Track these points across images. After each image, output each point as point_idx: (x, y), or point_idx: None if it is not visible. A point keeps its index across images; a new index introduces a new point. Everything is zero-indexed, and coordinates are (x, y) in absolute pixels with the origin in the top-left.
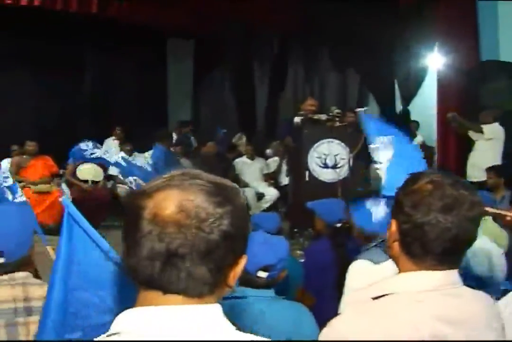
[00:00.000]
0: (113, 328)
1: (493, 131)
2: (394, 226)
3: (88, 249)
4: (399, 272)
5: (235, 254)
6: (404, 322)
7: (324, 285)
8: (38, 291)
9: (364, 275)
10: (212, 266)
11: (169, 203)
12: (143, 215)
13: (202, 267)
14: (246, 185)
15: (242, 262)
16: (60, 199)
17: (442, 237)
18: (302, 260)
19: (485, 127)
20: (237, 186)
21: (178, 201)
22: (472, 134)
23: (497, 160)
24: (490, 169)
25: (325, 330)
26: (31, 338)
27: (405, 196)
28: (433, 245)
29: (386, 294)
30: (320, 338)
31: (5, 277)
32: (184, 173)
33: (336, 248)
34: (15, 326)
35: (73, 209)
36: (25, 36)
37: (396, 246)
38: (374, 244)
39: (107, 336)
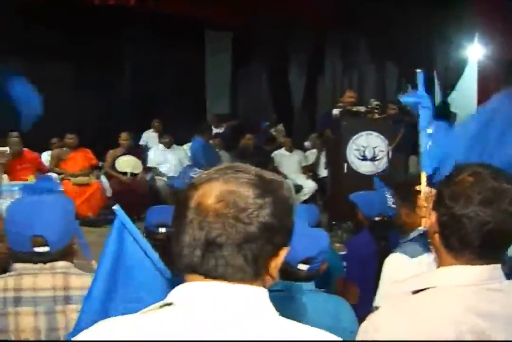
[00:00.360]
0: (167, 299)
1: None
2: (433, 217)
3: (139, 257)
4: (439, 266)
5: (275, 245)
6: (443, 317)
7: (366, 278)
8: (77, 280)
9: (399, 269)
10: (250, 256)
11: (211, 193)
12: (189, 204)
13: (239, 256)
14: (284, 177)
15: (283, 254)
16: (114, 207)
17: (480, 230)
18: (342, 253)
19: None
20: (282, 179)
21: (219, 191)
22: None
23: None
24: None
25: (364, 324)
26: (70, 326)
27: (446, 188)
28: (471, 238)
29: (426, 288)
30: (359, 332)
31: (47, 265)
32: (230, 166)
33: (377, 241)
34: (54, 314)
35: (124, 217)
36: (65, 30)
37: (436, 238)
38: (410, 238)
39: (160, 306)
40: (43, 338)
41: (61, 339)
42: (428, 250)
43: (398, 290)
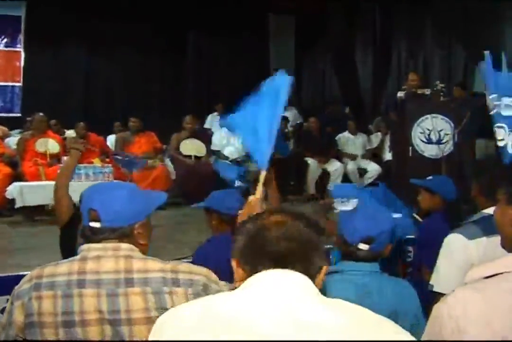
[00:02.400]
0: None
1: None
2: (511, 212)
3: None
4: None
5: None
6: None
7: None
8: (140, 264)
9: (456, 249)
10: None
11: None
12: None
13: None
14: (351, 158)
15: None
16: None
17: None
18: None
19: None
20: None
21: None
22: None
23: None
24: None
25: (437, 307)
26: (131, 309)
27: None
28: None
29: (500, 273)
30: (432, 313)
31: (109, 245)
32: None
33: (452, 223)
34: (116, 296)
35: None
36: (132, 19)
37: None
38: (473, 219)
39: None
40: (104, 319)
41: (121, 321)
42: (488, 233)
43: (474, 275)
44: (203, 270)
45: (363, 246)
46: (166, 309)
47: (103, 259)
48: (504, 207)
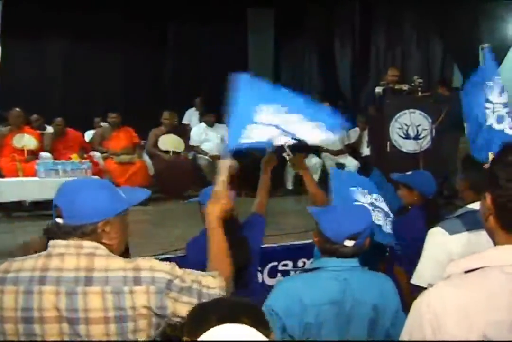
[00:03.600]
0: None
1: None
2: (489, 200)
3: None
4: (494, 246)
5: None
6: (497, 296)
7: (418, 256)
8: (102, 262)
9: (437, 244)
10: None
11: None
12: None
13: None
14: (327, 155)
15: None
16: None
17: None
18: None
19: None
20: None
21: None
22: None
23: None
24: None
25: (417, 302)
26: (89, 308)
27: (500, 169)
28: None
29: (480, 267)
30: (412, 308)
31: (72, 243)
32: None
33: (430, 219)
34: (75, 295)
35: None
36: (111, 11)
37: (491, 219)
38: (456, 214)
39: None
40: (62, 317)
41: (79, 320)
42: (470, 228)
43: (453, 269)
44: (166, 266)
45: (348, 243)
46: (125, 309)
47: (66, 256)
48: (482, 200)
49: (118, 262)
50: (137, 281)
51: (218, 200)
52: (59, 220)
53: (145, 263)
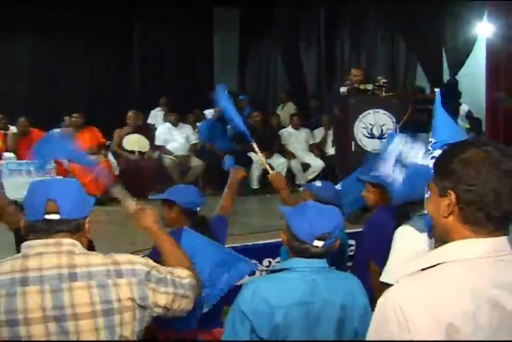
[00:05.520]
0: None
1: None
2: (453, 198)
3: None
4: (451, 241)
5: None
6: (462, 291)
7: (385, 255)
8: (82, 259)
9: (407, 242)
10: None
11: None
12: None
13: None
14: (292, 155)
15: None
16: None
17: (506, 201)
18: (360, 230)
19: None
20: None
21: None
22: None
23: None
24: None
25: (382, 299)
26: (76, 303)
27: (459, 166)
28: (497, 211)
29: (440, 263)
30: (377, 306)
31: (51, 241)
32: None
33: (400, 218)
34: (60, 292)
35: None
36: (77, 9)
37: (450, 217)
38: (424, 212)
39: None
40: (49, 316)
41: (67, 316)
42: None
43: (413, 267)
44: (142, 259)
45: (318, 243)
46: (111, 302)
47: (45, 255)
48: (437, 199)
49: (98, 257)
50: (119, 274)
51: (142, 211)
52: (52, 216)
53: (123, 257)
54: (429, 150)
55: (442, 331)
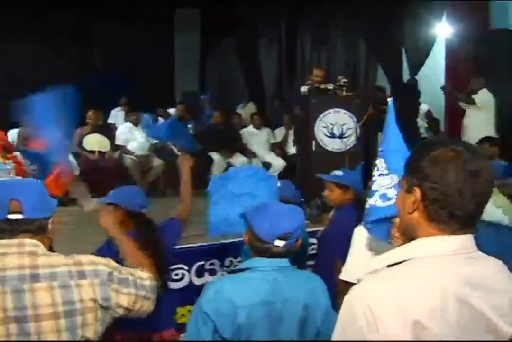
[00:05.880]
0: None
1: (483, 99)
2: (418, 194)
3: None
4: (417, 238)
5: None
6: (429, 287)
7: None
8: (45, 259)
9: (365, 240)
10: None
11: None
12: None
13: None
14: (253, 155)
15: None
16: None
17: (470, 202)
18: (321, 229)
19: (476, 97)
20: None
21: None
22: (463, 105)
23: (491, 127)
24: (484, 140)
25: (348, 297)
26: (37, 304)
27: (427, 163)
28: (460, 210)
29: (408, 259)
30: (343, 304)
31: (14, 242)
32: None
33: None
34: (21, 293)
35: None
36: (36, 6)
37: (416, 214)
38: None
39: None
40: (10, 317)
41: (28, 317)
42: None
43: (379, 264)
44: (103, 259)
45: (279, 243)
46: (74, 303)
47: (8, 255)
48: (405, 195)
49: (60, 258)
50: (81, 275)
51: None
52: (15, 216)
53: (85, 258)
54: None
55: (410, 328)
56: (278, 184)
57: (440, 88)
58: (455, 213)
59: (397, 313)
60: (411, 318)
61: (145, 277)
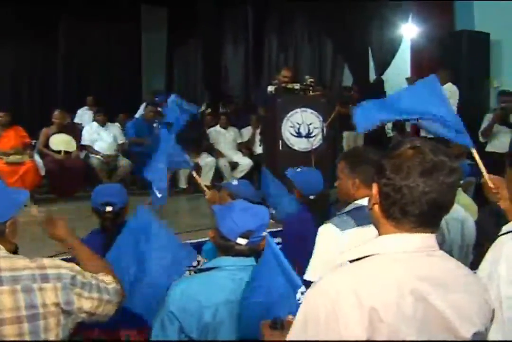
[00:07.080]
0: None
1: (449, 92)
2: (375, 189)
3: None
4: (379, 235)
5: None
6: (387, 281)
7: (303, 254)
8: (5, 262)
9: (328, 240)
10: None
11: None
12: None
13: None
14: (220, 154)
15: None
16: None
17: (420, 200)
18: (279, 229)
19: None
20: None
21: None
22: None
23: None
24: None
25: (310, 291)
26: (1, 308)
27: (387, 160)
28: (411, 207)
29: (367, 256)
30: (304, 301)
31: None
32: None
33: (314, 217)
34: None
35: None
36: (1, 7)
37: (376, 208)
38: (346, 210)
39: None
40: None
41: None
42: (360, 223)
43: (341, 259)
44: (67, 263)
45: (241, 241)
46: (36, 307)
47: None
48: (370, 191)
49: (22, 261)
50: (44, 278)
51: (51, 223)
52: None
53: (48, 261)
54: None
55: (367, 321)
56: (235, 183)
57: (406, 78)
58: (406, 210)
59: (355, 305)
60: (367, 304)
61: (108, 280)
